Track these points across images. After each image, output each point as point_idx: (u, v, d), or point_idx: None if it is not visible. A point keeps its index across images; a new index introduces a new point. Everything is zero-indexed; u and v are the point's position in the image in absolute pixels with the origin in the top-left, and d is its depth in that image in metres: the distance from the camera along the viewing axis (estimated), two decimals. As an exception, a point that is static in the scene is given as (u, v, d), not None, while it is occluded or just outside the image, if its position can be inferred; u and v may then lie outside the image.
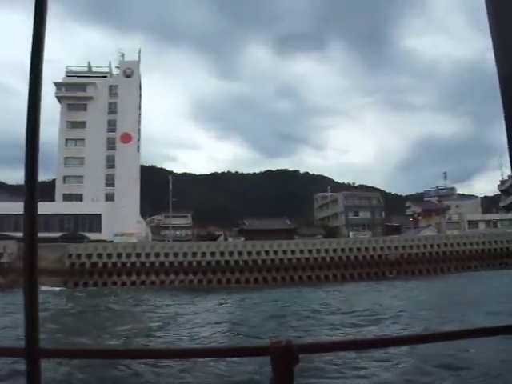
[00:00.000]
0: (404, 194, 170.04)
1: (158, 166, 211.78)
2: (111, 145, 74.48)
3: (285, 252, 60.31)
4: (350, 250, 60.93)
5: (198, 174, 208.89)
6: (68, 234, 66.73)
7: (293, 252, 60.35)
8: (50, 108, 73.17)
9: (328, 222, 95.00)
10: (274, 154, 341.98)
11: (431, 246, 63.15)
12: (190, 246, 62.60)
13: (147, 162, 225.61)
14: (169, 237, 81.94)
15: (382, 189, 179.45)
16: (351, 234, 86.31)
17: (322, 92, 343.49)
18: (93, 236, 66.59)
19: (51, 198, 74.19)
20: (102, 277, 55.48)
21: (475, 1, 1.78)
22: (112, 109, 75.41)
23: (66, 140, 74.52)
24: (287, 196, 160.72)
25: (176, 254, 59.35)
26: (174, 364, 10.93)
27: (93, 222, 70.70)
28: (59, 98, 75.54)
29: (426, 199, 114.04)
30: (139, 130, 79.28)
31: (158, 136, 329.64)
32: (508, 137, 1.58)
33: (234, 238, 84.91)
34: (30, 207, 1.47)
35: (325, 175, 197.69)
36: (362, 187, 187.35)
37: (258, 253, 59.94)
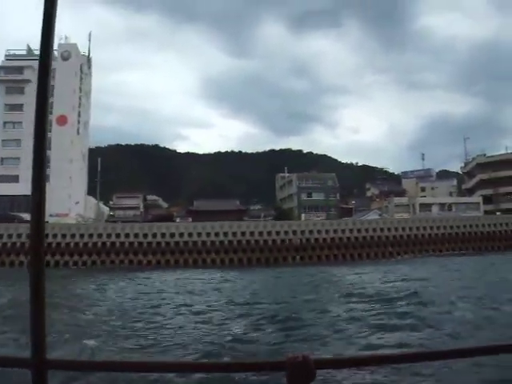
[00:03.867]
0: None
1: (161, 145, 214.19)
2: (48, 127, 75.52)
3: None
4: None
5: (201, 153, 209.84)
6: (-3, 214, 68.37)
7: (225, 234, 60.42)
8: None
9: (284, 203, 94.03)
10: (285, 133, 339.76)
11: (342, 231, 61.91)
12: (122, 227, 62.58)
13: (150, 142, 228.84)
14: (111, 217, 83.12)
15: (386, 169, 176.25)
16: (303, 216, 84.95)
17: (335, 70, 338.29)
18: (29, 217, 68.21)
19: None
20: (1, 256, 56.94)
21: None
22: (51, 92, 76.18)
23: (4, 123, 76.30)
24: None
25: (100, 235, 60.16)
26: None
27: (29, 202, 72.18)
28: (-2, 81, 77.43)
29: (403, 180, 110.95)
30: (79, 112, 79.81)
31: (167, 115, 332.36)
32: None
33: (182, 219, 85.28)
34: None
35: (328, 155, 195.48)
36: (364, 167, 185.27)
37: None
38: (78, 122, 79.55)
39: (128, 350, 13.41)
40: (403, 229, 63.73)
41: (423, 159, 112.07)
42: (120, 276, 41.46)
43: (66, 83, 75.50)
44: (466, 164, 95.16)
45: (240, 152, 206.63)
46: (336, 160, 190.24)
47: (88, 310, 21.62)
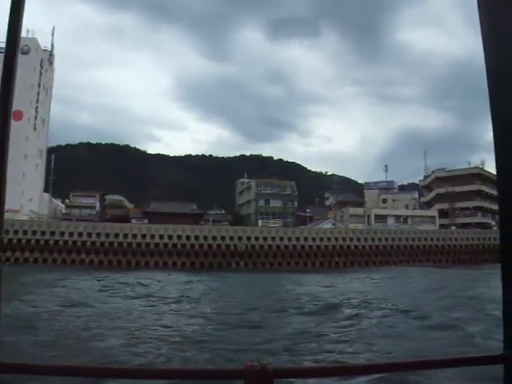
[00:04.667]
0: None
1: (132, 145, 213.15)
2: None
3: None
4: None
5: (172, 155, 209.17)
6: None
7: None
8: None
9: (243, 209, 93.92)
10: (257, 139, 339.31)
11: (289, 239, 62.04)
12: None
13: (122, 142, 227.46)
14: (66, 215, 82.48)
15: (354, 179, 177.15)
16: (260, 222, 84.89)
17: (311, 79, 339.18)
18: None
19: None
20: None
21: None
22: (7, 85, 75.41)
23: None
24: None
25: (43, 233, 59.36)
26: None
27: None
28: (-47, 74, 76.02)
29: (366, 191, 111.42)
30: (37, 107, 78.90)
31: (139, 115, 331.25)
32: (494, 132, 1.65)
33: (138, 220, 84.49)
34: None
35: (298, 162, 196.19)
36: (333, 176, 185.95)
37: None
38: (35, 118, 78.62)
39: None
40: (351, 239, 64.04)
41: (386, 170, 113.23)
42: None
43: (23, 77, 74.71)
44: (426, 177, 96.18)
45: (211, 156, 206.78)
46: (306, 168, 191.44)
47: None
